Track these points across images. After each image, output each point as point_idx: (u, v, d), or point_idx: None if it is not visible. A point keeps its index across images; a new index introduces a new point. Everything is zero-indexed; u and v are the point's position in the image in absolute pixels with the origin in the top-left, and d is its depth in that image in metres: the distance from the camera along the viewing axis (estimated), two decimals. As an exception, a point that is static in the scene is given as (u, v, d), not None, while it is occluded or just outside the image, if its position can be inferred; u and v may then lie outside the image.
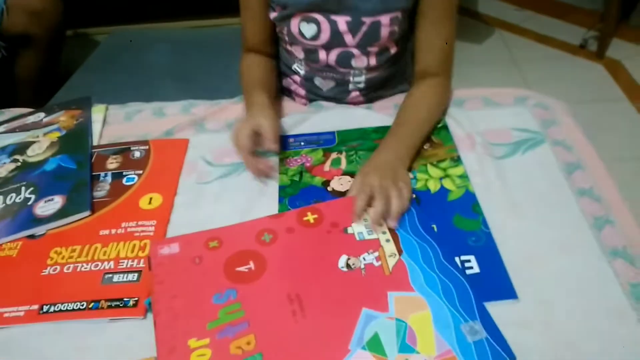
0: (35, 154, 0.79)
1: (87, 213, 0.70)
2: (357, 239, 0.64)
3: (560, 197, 0.68)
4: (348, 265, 0.61)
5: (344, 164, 0.74)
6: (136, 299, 0.61)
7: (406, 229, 0.65)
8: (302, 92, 0.93)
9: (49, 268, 0.65)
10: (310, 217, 0.67)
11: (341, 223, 0.66)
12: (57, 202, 0.70)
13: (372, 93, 0.91)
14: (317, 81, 0.90)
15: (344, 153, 0.76)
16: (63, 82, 1.24)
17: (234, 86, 0.90)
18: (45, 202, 0.71)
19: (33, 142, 0.80)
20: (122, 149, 0.80)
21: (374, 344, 0.53)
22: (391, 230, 0.64)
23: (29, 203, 0.71)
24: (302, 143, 0.80)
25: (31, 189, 0.73)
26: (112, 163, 0.78)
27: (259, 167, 0.74)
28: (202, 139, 0.82)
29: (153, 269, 0.60)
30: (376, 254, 0.62)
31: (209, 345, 0.53)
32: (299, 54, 0.87)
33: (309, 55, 0.86)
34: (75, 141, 0.80)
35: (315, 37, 0.81)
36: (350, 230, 0.65)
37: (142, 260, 0.65)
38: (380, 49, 0.83)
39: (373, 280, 0.59)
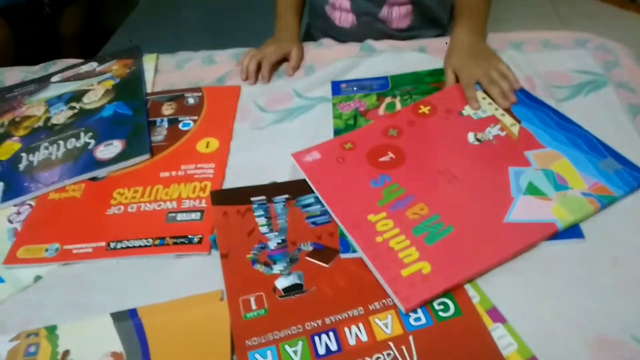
0: (91, 101, 0.77)
1: (147, 156, 0.68)
2: (474, 118, 0.66)
3: (625, 138, 0.62)
4: (477, 140, 0.62)
5: (399, 108, 0.71)
6: (200, 236, 0.57)
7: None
8: (346, 4, 0.89)
9: (113, 208, 0.63)
10: (425, 109, 0.68)
11: (454, 108, 0.68)
12: (116, 146, 0.68)
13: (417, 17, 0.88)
14: (337, 18, 0.88)
15: (398, 97, 0.73)
16: (106, 39, 1.22)
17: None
18: (105, 146, 0.68)
19: (88, 90, 0.79)
20: (176, 96, 0.77)
21: (532, 189, 0.55)
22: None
23: (89, 147, 0.69)
24: (355, 88, 0.76)
25: (90, 134, 0.71)
26: (167, 109, 0.75)
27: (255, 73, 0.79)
28: (253, 86, 0.79)
29: (306, 173, 0.61)
30: (498, 125, 0.64)
31: (387, 217, 0.54)
32: None
33: None
34: (130, 89, 0.78)
35: None
36: (465, 112, 0.67)
37: (203, 200, 0.62)
38: None
39: (506, 146, 0.61)
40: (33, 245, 0.58)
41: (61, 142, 0.71)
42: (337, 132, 0.68)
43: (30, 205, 0.64)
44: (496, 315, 0.45)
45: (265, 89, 0.78)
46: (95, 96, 0.78)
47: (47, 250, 0.57)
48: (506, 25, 0.91)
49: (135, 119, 0.72)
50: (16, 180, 0.67)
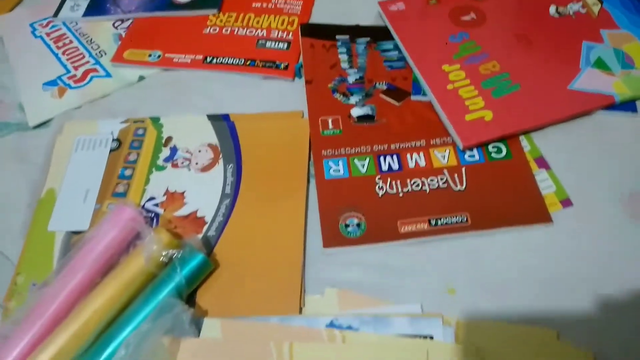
0: None
1: (214, 11, 0.69)
2: None
3: None
4: (558, 13, 0.64)
5: None
6: (286, 63, 0.63)
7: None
8: None
9: (208, 28, 0.68)
10: None
11: None
12: None
13: None
14: None
15: None
16: None
17: None
18: None
19: None
20: None
21: (600, 64, 0.58)
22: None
23: None
24: None
25: None
26: None
27: None
28: None
29: (389, 21, 0.65)
30: (580, 3, 0.65)
31: (460, 69, 0.58)
32: None
33: None
34: None
35: None
36: None
37: (290, 33, 0.66)
38: None
39: (583, 22, 0.63)
40: (137, 49, 0.65)
41: None
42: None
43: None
44: (542, 162, 0.52)
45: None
46: None
47: (150, 55, 0.64)
48: None
49: None
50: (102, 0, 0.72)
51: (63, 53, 0.66)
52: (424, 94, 0.58)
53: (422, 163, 0.53)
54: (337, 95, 0.59)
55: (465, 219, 0.48)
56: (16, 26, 0.70)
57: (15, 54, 0.67)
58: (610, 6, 0.64)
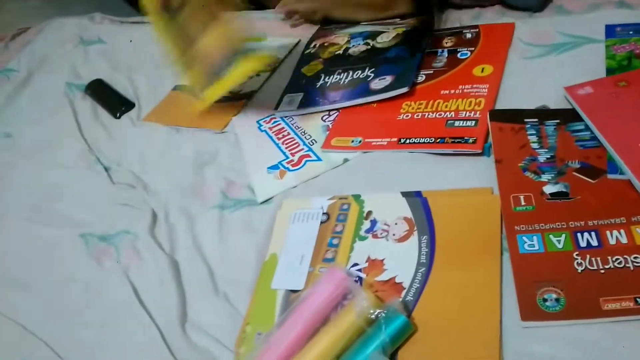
0: (382, 41, 0.91)
1: (406, 89, 0.78)
2: None
3: None
4: None
5: None
6: (475, 138, 0.67)
7: None
8: None
9: (402, 115, 0.77)
10: None
11: None
12: (387, 80, 0.81)
13: None
14: None
15: None
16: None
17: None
18: (379, 80, 0.82)
19: (383, 32, 0.93)
20: (456, 32, 0.87)
21: None
22: None
23: (368, 79, 0.83)
24: (631, 32, 0.76)
25: (373, 68, 0.85)
26: (448, 42, 0.86)
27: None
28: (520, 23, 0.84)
29: (579, 104, 0.65)
30: None
31: None
32: None
33: None
34: (414, 37, 0.88)
35: None
36: None
37: (478, 112, 0.71)
38: None
39: None
40: (342, 137, 0.76)
41: (350, 71, 0.86)
42: (609, 71, 0.71)
43: (337, 109, 0.82)
44: None
45: (528, 27, 0.84)
46: (387, 38, 0.91)
47: (352, 141, 0.75)
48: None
49: (409, 61, 0.83)
50: (312, 94, 0.85)
51: (282, 143, 0.80)
52: (622, 173, 0.57)
53: (624, 240, 0.51)
54: (528, 174, 0.61)
55: (677, 300, 0.46)
56: (246, 124, 0.87)
57: (246, 145, 0.83)
58: None
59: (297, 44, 1.01)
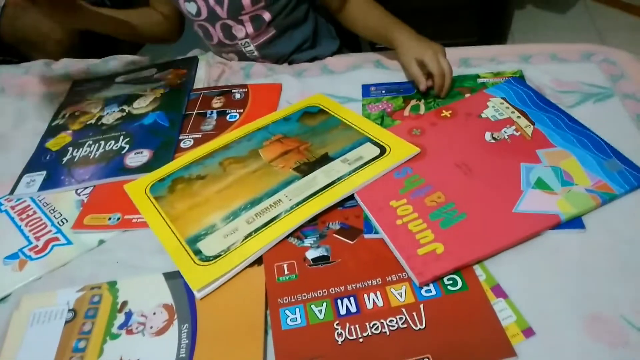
0: (139, 106, 0.83)
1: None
2: (492, 120, 0.71)
3: (630, 143, 0.64)
4: (494, 138, 0.68)
5: (422, 110, 0.76)
6: None
7: (529, 106, 0.71)
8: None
9: None
10: (446, 113, 0.74)
11: (474, 112, 0.73)
12: (145, 155, 0.73)
13: (281, 59, 0.95)
14: (227, 58, 0.95)
15: (422, 100, 0.78)
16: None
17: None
18: (135, 153, 0.74)
19: (140, 96, 0.85)
20: (225, 92, 0.84)
21: (540, 184, 0.60)
22: (518, 110, 0.71)
23: (122, 152, 0.75)
24: (384, 91, 0.82)
25: (127, 139, 0.77)
26: (217, 103, 0.82)
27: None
28: (289, 84, 0.85)
29: None
30: (514, 126, 0.69)
31: (407, 203, 0.61)
32: (200, 33, 0.92)
33: (206, 35, 0.91)
34: (174, 100, 0.83)
35: (198, 14, 0.86)
36: (484, 115, 0.72)
37: None
38: (251, 17, 0.86)
39: (519, 144, 0.66)
40: (97, 214, 0.67)
41: (102, 142, 0.78)
42: (364, 130, 0.74)
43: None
44: (499, 291, 0.51)
45: (299, 87, 0.85)
46: (145, 102, 0.84)
47: (109, 218, 0.66)
48: (543, 37, 0.89)
49: (169, 131, 0.78)
50: (56, 172, 0.74)
51: (26, 225, 0.67)
52: (376, 232, 0.58)
53: (380, 303, 0.52)
54: (292, 239, 0.59)
55: (427, 362, 0.46)
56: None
57: (-21, 227, 0.68)
58: (542, 126, 0.67)
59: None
